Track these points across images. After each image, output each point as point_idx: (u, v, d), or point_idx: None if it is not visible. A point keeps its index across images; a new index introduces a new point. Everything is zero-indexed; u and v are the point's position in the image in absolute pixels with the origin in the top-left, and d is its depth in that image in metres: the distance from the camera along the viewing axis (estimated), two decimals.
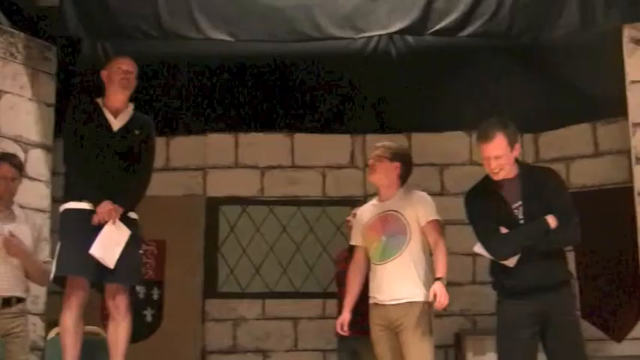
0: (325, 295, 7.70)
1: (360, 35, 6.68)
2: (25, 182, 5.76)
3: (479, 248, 4.75)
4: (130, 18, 6.69)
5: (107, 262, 4.76)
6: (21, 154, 6.20)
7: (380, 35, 6.84)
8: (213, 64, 7.23)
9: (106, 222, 4.82)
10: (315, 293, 7.76)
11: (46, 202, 6.72)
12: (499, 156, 4.57)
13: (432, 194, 7.57)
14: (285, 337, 7.77)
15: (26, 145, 6.65)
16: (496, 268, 4.68)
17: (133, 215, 5.00)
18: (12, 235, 5.17)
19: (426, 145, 7.93)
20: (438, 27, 6.59)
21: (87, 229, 4.79)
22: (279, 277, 7.88)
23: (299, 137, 7.97)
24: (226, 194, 7.90)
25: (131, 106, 5.15)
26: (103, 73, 5.17)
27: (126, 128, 5.08)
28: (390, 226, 4.98)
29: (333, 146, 7.96)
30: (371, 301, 5.06)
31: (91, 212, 4.83)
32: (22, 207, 5.52)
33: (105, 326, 5.99)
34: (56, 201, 6.80)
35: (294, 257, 7.91)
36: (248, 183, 7.92)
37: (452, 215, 7.76)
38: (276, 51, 6.90)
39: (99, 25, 6.78)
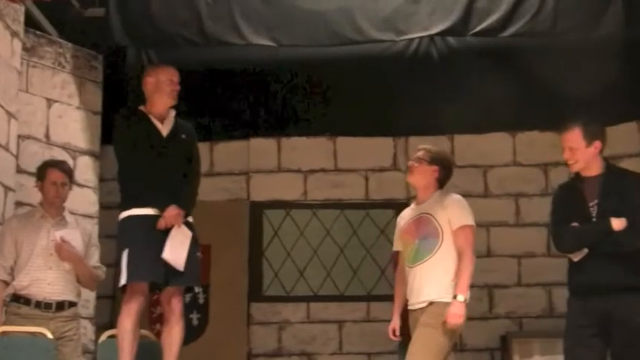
0: (369, 297, 7.76)
1: (401, 37, 6.69)
2: (74, 189, 5.85)
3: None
4: (173, 25, 6.80)
5: (178, 265, 4.82)
6: (70, 161, 6.33)
7: (421, 37, 6.85)
8: (255, 70, 7.29)
9: (172, 226, 4.87)
10: (359, 296, 7.80)
11: (94, 209, 6.87)
12: (573, 148, 4.65)
13: (475, 196, 7.69)
14: (330, 340, 7.82)
15: (74, 152, 6.79)
16: (571, 266, 4.69)
17: (190, 219, 5.05)
18: (63, 240, 5.25)
19: (469, 146, 7.94)
20: (479, 27, 6.59)
21: (152, 234, 4.84)
22: (324, 280, 7.93)
23: (341, 140, 8.02)
24: (270, 198, 7.97)
25: (173, 112, 5.20)
26: (149, 81, 5.15)
27: (173, 133, 5.14)
28: (423, 228, 4.92)
29: (376, 149, 8.00)
30: (408, 306, 5.02)
31: (155, 217, 4.87)
32: (71, 213, 5.61)
33: (152, 329, 6.14)
34: (104, 207, 6.97)
35: (338, 260, 7.95)
36: (291, 187, 7.99)
37: (496, 217, 7.83)
38: (318, 55, 6.91)
39: (143, 34, 6.89)
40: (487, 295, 7.77)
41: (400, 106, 7.55)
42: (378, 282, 7.81)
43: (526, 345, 7.26)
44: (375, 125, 7.79)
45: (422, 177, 5.05)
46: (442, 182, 5.08)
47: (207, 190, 7.30)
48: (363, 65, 7.18)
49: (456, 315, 4.67)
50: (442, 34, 6.76)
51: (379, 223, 7.86)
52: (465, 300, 4.70)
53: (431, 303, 4.78)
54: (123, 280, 4.82)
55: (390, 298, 5.32)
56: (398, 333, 5.08)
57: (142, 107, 5.17)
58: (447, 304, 4.71)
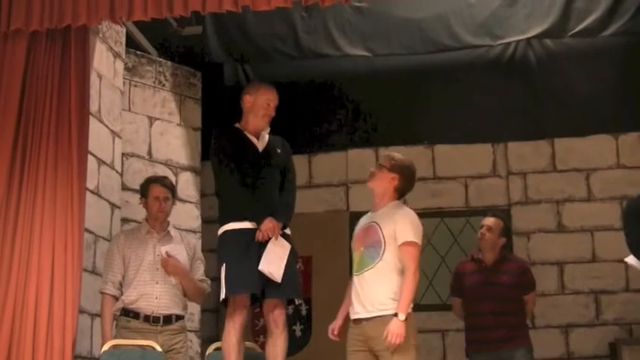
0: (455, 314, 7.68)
1: (498, 42, 6.64)
2: (177, 204, 5.95)
3: (631, 260, 4.65)
4: (268, 40, 6.88)
5: (275, 277, 4.85)
6: (172, 177, 6.48)
7: (518, 41, 6.78)
8: (351, 80, 7.32)
9: (269, 238, 4.90)
10: None
11: (196, 223, 6.98)
12: None
13: (578, 201, 7.55)
14: (434, 349, 7.75)
15: (176, 169, 6.92)
16: None
17: (287, 231, 5.08)
18: (169, 255, 5.33)
19: (571, 150, 7.78)
20: (578, 28, 6.47)
21: (249, 247, 4.89)
22: (425, 289, 7.86)
23: (440, 148, 7.97)
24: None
25: (268, 128, 5.25)
26: (248, 99, 5.18)
27: (268, 148, 5.18)
28: (370, 237, 4.83)
29: (474, 156, 7.90)
30: (350, 315, 4.92)
31: (252, 231, 4.91)
32: (175, 228, 5.68)
33: (255, 341, 6.20)
34: (205, 222, 7.09)
35: (440, 269, 7.87)
36: None
37: (601, 221, 7.65)
38: (414, 63, 6.91)
39: (239, 49, 7.01)
40: (594, 301, 7.60)
41: (498, 111, 7.49)
42: None
43: (637, 352, 7.07)
44: (473, 132, 7.72)
45: (379, 183, 4.96)
46: (401, 192, 4.99)
47: (307, 201, 7.38)
48: (460, 71, 7.18)
49: (396, 334, 4.54)
50: (539, 36, 6.67)
51: None
52: (405, 319, 4.58)
53: (381, 317, 4.65)
54: (222, 294, 4.89)
55: None
56: (336, 332, 5.00)
57: (237, 124, 5.23)
58: (391, 316, 4.62)
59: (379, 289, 4.72)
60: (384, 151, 7.92)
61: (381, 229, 4.80)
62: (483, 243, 6.07)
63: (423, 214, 7.78)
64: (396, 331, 4.55)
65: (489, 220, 6.10)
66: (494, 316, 5.86)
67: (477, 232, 6.25)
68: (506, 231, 6.17)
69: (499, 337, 5.84)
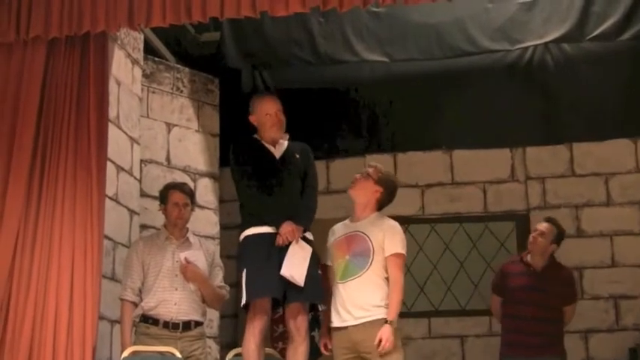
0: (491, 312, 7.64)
1: (516, 47, 6.62)
2: (196, 210, 5.88)
3: None
4: (286, 46, 6.90)
5: (297, 281, 4.83)
6: (190, 184, 6.45)
7: (535, 45, 6.75)
8: (369, 86, 7.32)
9: (290, 242, 4.89)
10: (480, 310, 7.65)
11: (215, 229, 6.97)
12: None
13: (597, 205, 7.51)
14: (453, 356, 7.71)
15: (195, 175, 6.93)
16: None
17: (309, 236, 5.06)
18: (188, 261, 5.32)
19: (589, 154, 7.72)
20: (596, 32, 6.45)
21: (270, 251, 4.87)
22: (444, 295, 7.84)
23: (458, 153, 7.93)
24: (388, 214, 7.89)
25: (286, 136, 5.25)
26: (253, 119, 5.21)
27: (287, 154, 5.19)
28: (356, 246, 4.87)
29: (493, 160, 7.85)
30: (331, 324, 4.93)
31: (272, 235, 4.90)
32: (194, 234, 5.68)
33: (275, 347, 6.17)
34: (224, 228, 7.09)
35: (458, 274, 7.85)
36: (409, 202, 7.93)
37: (620, 226, 7.59)
38: (432, 68, 6.90)
39: (257, 55, 7.02)
40: (613, 306, 7.54)
41: (516, 116, 7.46)
42: None
43: None
44: (491, 137, 7.67)
45: (363, 193, 5.00)
46: (381, 205, 5.04)
47: (326, 208, 7.29)
48: (477, 76, 7.16)
49: (388, 339, 4.67)
50: (557, 40, 6.65)
51: (499, 236, 7.74)
52: (396, 327, 4.73)
53: (371, 322, 4.73)
54: (243, 300, 4.87)
55: None
56: (330, 347, 4.98)
57: (255, 135, 5.24)
58: (383, 320, 4.73)
59: (367, 296, 4.80)
60: (402, 157, 7.96)
61: (369, 239, 4.86)
62: (534, 247, 6.00)
63: (441, 219, 7.99)
64: (388, 336, 4.67)
65: (543, 225, 6.04)
66: (535, 322, 5.83)
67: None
68: (559, 238, 6.08)
69: (537, 343, 5.81)
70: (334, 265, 4.98)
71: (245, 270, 4.89)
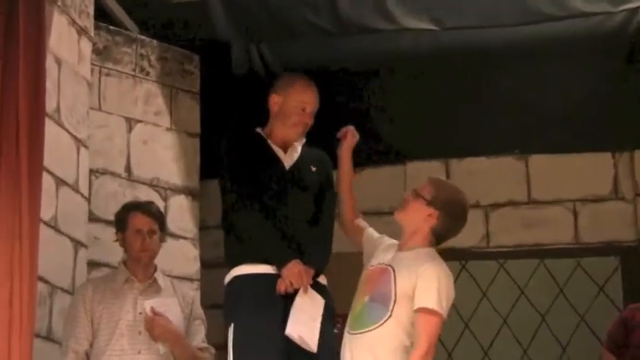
0: None
1: (621, 8, 6.62)
2: (167, 241, 5.91)
3: None
4: (295, 10, 6.92)
5: (308, 343, 4.82)
6: (159, 204, 6.42)
7: None
8: (410, 64, 7.31)
9: (296, 290, 4.88)
10: None
11: (194, 267, 6.98)
12: None
13: None
14: None
15: (165, 191, 6.94)
16: None
17: (322, 280, 5.08)
18: (156, 313, 5.30)
19: None
20: None
21: (269, 301, 4.88)
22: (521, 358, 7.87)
23: (536, 160, 7.98)
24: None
25: (303, 140, 5.29)
26: (275, 101, 5.23)
27: (300, 165, 5.21)
28: (378, 286, 4.83)
29: (587, 170, 7.91)
30: None
31: (273, 277, 4.91)
32: (165, 275, 5.69)
33: None
34: (207, 266, 7.07)
35: (539, 331, 7.99)
36: (467, 228, 7.64)
37: None
38: (499, 39, 6.89)
39: (254, 23, 7.02)
40: None
41: (622, 104, 7.45)
42: None
43: None
44: (584, 136, 7.70)
45: (411, 217, 4.94)
46: (438, 235, 4.95)
47: (345, 237, 7.34)
48: (563, 51, 7.15)
49: None
50: None
51: (597, 277, 7.79)
52: None
53: None
54: None
55: None
56: None
57: (260, 129, 5.27)
58: None
59: None
60: (457, 164, 7.96)
61: (395, 281, 4.80)
62: None
63: (513, 254, 7.96)
64: None
65: None
66: None
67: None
68: None
69: None
70: (353, 303, 4.95)
71: (233, 326, 4.90)
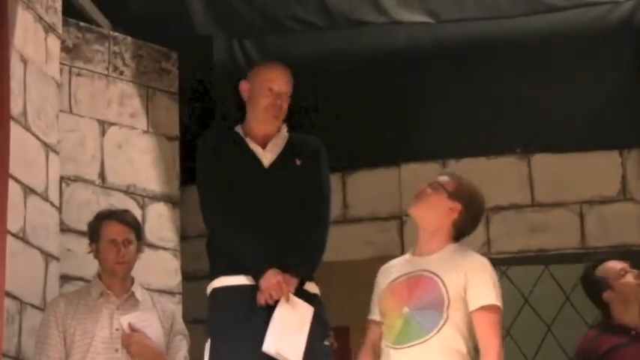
0: None
1: None
2: (145, 251, 5.87)
3: None
4: (281, 3, 6.94)
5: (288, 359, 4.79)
6: (136, 212, 6.43)
7: None
8: (405, 59, 7.35)
9: (276, 301, 4.85)
10: None
11: (175, 280, 6.96)
12: None
13: None
14: None
15: (142, 199, 6.93)
16: None
17: (311, 289, 5.03)
18: (133, 328, 5.30)
19: None
20: None
21: (248, 314, 4.86)
22: None
23: (540, 159, 7.88)
24: None
25: (284, 129, 5.24)
26: (244, 87, 5.23)
27: (282, 160, 5.16)
28: (421, 293, 4.74)
29: (593, 169, 7.81)
30: None
31: (253, 289, 4.88)
32: (144, 288, 5.68)
33: None
34: (189, 278, 7.02)
35: (545, 342, 8.06)
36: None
37: None
38: (500, 32, 6.90)
39: (237, 17, 7.01)
40: None
41: (630, 100, 7.43)
42: None
43: None
44: (591, 132, 7.66)
45: (432, 212, 4.88)
46: (460, 231, 4.91)
47: (341, 244, 7.29)
48: (568, 42, 7.20)
49: None
50: None
51: None
52: None
53: None
54: None
55: None
56: None
57: (239, 127, 5.24)
58: None
59: None
60: (456, 165, 7.89)
61: (444, 283, 4.72)
62: None
63: (516, 260, 7.91)
64: None
65: None
66: None
67: None
68: None
69: None
70: (385, 321, 4.85)
71: (210, 341, 4.90)
